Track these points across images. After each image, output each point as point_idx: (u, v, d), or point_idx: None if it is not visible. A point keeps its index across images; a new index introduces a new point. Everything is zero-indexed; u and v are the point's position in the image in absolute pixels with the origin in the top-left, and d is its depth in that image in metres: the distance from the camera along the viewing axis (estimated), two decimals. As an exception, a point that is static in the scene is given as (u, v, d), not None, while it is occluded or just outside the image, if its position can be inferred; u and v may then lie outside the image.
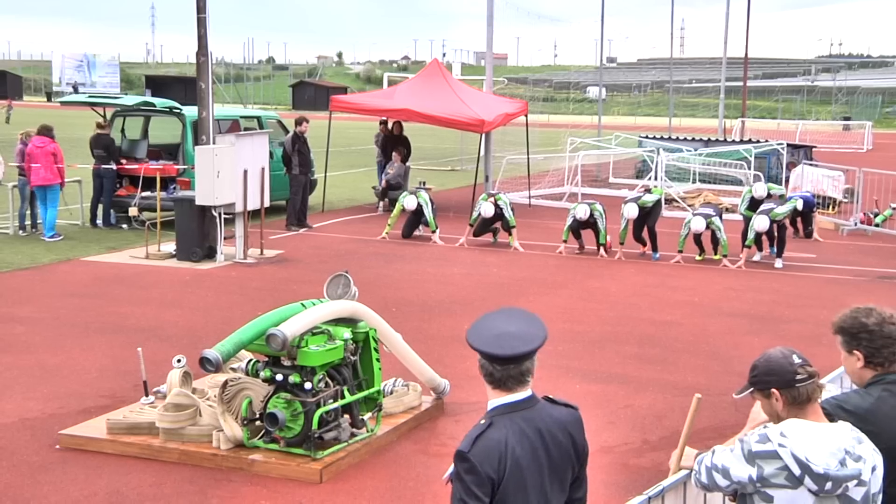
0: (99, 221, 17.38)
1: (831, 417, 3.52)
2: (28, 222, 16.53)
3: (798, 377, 3.29)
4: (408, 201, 16.48)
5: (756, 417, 3.68)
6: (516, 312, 3.32)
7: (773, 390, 3.33)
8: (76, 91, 66.73)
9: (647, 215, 15.40)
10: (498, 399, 3.20)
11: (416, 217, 16.68)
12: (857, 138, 49.84)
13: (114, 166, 17.17)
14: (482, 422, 3.17)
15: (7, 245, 15.34)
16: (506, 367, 3.15)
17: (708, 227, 14.84)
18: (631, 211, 15.15)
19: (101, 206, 17.46)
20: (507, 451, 3.08)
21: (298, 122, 18.06)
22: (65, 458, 6.84)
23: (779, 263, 14.88)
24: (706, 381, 8.91)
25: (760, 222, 14.72)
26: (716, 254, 15.18)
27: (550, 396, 3.34)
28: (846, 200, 21.41)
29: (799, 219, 18.02)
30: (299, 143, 17.84)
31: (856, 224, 19.08)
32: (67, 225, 17.10)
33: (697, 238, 15.09)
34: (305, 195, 18.16)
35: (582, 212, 15.15)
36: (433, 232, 16.50)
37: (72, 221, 17.44)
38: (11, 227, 16.53)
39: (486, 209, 15.96)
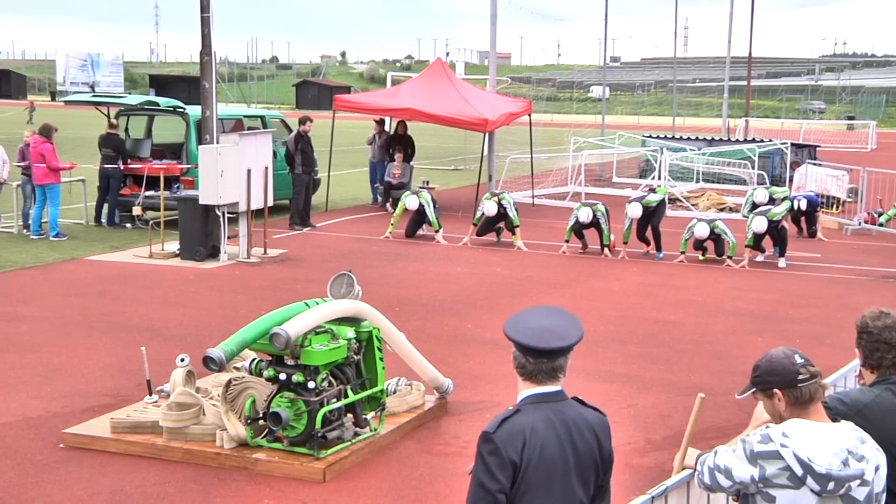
0: (103, 220, 17.39)
1: (832, 413, 3.54)
2: (31, 221, 16.54)
3: (800, 377, 3.29)
4: (409, 201, 16.47)
5: (759, 417, 3.69)
6: (555, 310, 3.36)
7: (776, 390, 3.34)
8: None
9: (651, 215, 15.38)
10: (528, 390, 3.23)
11: (420, 216, 16.69)
12: (862, 138, 49.77)
13: (121, 166, 17.20)
14: (510, 408, 3.20)
15: (11, 244, 15.37)
16: (539, 361, 3.18)
17: (713, 231, 14.79)
18: (635, 210, 15.14)
19: (105, 206, 17.47)
20: (533, 437, 3.09)
21: (302, 122, 18.07)
22: (68, 456, 6.85)
23: (782, 263, 14.87)
24: (709, 380, 8.91)
25: (758, 223, 14.72)
26: (719, 254, 15.16)
27: (580, 398, 3.35)
28: (850, 200, 21.38)
29: (803, 218, 18.00)
30: (302, 143, 17.85)
31: (860, 223, 19.06)
32: (72, 224, 17.12)
33: (699, 242, 15.06)
34: (308, 194, 18.17)
35: (584, 215, 15.14)
36: (436, 231, 16.50)
37: (76, 220, 17.46)
38: (16, 227, 16.55)
39: (490, 208, 15.96)
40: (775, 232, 15.03)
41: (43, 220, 16.17)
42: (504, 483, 3.07)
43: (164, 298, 11.84)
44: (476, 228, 16.33)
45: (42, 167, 15.75)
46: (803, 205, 17.50)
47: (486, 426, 3.16)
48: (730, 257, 14.89)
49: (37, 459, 6.78)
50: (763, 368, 3.40)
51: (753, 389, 3.45)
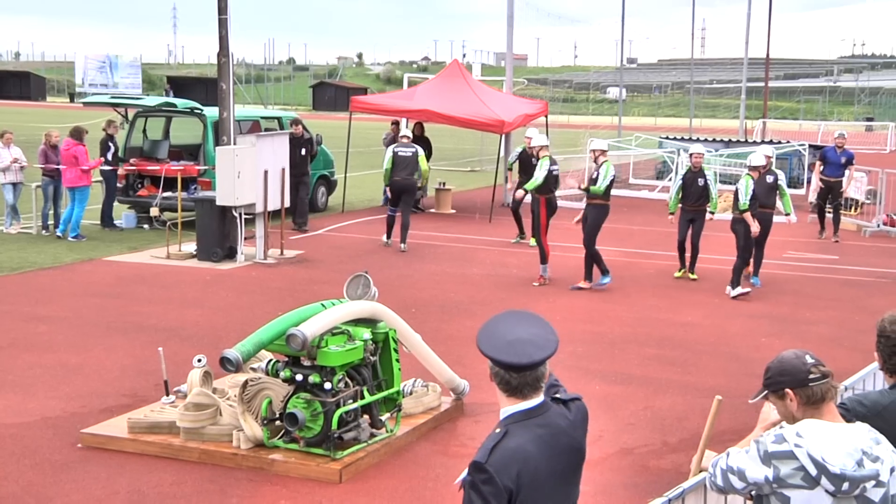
0: (117, 223, 17.38)
1: (848, 416, 3.53)
2: (51, 222, 16.64)
3: (811, 376, 3.29)
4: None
5: (766, 417, 3.68)
6: (523, 315, 3.25)
7: (787, 390, 3.33)
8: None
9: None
10: (512, 406, 3.13)
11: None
12: (881, 139, 49.48)
13: (112, 167, 17.19)
14: (497, 431, 3.10)
15: (30, 245, 15.46)
16: (522, 375, 3.08)
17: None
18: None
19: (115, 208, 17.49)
20: (525, 460, 3.03)
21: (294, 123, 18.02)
22: (86, 456, 6.89)
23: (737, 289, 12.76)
24: (726, 382, 8.88)
25: (756, 157, 13.07)
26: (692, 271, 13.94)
27: (558, 396, 3.28)
28: (869, 202, 21.27)
29: (828, 213, 18.02)
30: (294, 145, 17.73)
31: (878, 226, 18.96)
32: (89, 225, 17.19)
33: (681, 248, 13.90)
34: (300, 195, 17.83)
35: None
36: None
37: (94, 222, 17.53)
38: (35, 227, 16.65)
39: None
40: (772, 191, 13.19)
41: (49, 222, 16.32)
42: None
43: (181, 299, 11.89)
44: (515, 186, 15.50)
45: (75, 170, 15.84)
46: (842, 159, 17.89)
47: (476, 455, 3.06)
48: (712, 213, 13.90)
49: (55, 459, 6.82)
50: (774, 369, 3.40)
51: (766, 392, 3.44)
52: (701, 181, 13.68)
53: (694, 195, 13.70)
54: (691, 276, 13.86)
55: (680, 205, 13.87)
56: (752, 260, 13.25)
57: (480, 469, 3.00)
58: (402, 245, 15.65)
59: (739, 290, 12.65)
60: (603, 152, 13.29)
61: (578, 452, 3.21)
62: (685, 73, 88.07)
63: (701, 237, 13.78)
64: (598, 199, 13.08)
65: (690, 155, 14.11)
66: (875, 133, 53.74)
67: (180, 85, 79.34)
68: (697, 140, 29.58)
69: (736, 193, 12.96)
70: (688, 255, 13.83)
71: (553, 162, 13.63)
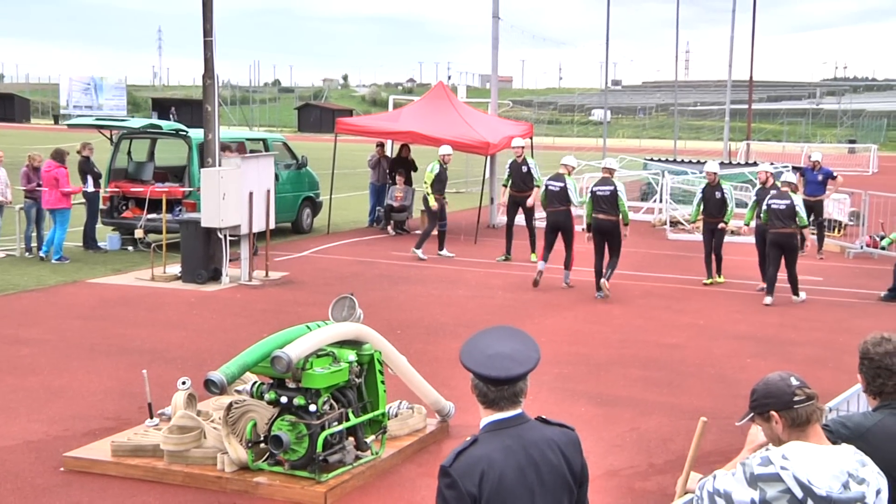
0: (101, 245, 17.30)
1: (832, 438, 3.53)
2: (34, 244, 16.56)
3: (796, 398, 3.30)
4: None
5: (754, 439, 3.69)
6: (507, 331, 3.31)
7: (773, 413, 3.34)
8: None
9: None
10: (488, 417, 3.21)
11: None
12: (863, 161, 49.82)
13: (95, 189, 17.13)
14: (468, 438, 3.17)
15: (13, 267, 15.38)
16: (500, 389, 3.15)
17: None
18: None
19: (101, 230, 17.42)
20: (490, 467, 3.07)
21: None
22: (69, 480, 6.83)
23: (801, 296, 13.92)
24: (712, 404, 8.89)
25: (788, 176, 14.42)
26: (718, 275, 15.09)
27: (544, 417, 3.32)
28: (852, 223, 21.40)
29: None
30: None
31: (862, 247, 19.06)
32: (73, 247, 17.13)
33: (708, 259, 15.00)
34: None
35: None
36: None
37: (77, 243, 17.46)
38: (18, 249, 16.56)
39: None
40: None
41: (32, 245, 16.25)
42: None
43: (165, 321, 11.84)
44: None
45: (55, 192, 15.78)
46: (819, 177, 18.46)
47: (444, 460, 3.13)
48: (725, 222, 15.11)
49: (37, 483, 6.76)
50: (759, 392, 3.41)
51: (752, 415, 3.45)
52: (718, 194, 14.92)
53: (713, 207, 14.93)
54: (719, 279, 15.06)
55: (701, 216, 15.15)
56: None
57: (444, 473, 3.09)
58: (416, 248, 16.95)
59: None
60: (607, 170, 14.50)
61: (555, 471, 3.21)
62: (669, 95, 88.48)
63: (722, 246, 15.05)
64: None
65: (705, 172, 15.51)
66: (858, 155, 54.10)
67: (164, 106, 79.26)
68: (683, 161, 29.78)
69: (796, 209, 13.48)
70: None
71: (556, 178, 14.99)
